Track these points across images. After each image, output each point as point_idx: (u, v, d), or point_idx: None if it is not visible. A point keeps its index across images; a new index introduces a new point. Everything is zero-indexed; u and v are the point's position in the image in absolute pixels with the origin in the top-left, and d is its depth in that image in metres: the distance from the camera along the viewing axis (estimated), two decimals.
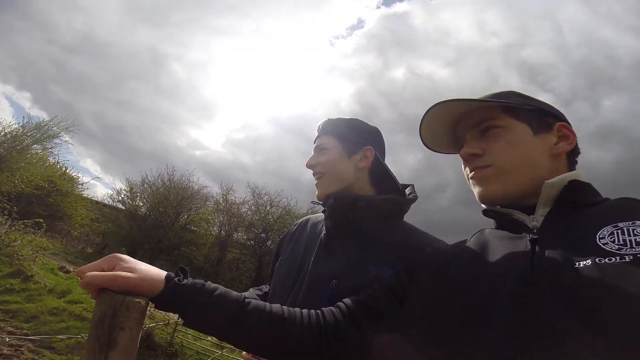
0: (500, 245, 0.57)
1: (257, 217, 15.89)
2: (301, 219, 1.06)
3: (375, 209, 0.83)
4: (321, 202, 0.92)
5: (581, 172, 0.59)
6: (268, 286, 1.07)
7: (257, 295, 1.07)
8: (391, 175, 0.94)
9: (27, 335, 3.73)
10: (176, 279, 0.57)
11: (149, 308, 0.57)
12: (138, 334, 0.52)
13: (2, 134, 12.63)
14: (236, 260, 15.52)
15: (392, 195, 0.88)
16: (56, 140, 13.85)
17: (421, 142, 0.71)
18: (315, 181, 0.93)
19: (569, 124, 0.62)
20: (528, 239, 0.52)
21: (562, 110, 0.65)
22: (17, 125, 13.09)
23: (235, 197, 17.01)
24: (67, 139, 13.96)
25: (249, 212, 16.47)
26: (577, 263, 0.44)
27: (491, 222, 0.64)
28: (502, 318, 0.46)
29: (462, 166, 0.67)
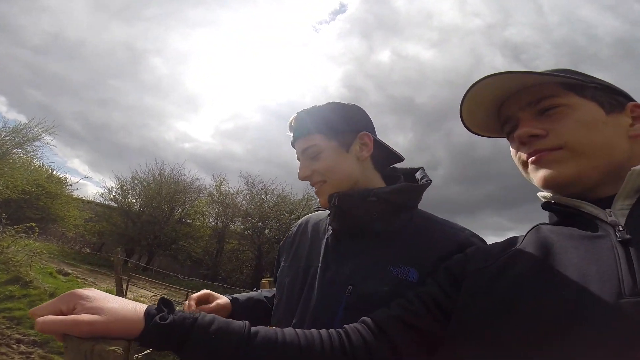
0: (570, 245, 0.47)
1: (252, 206, 15.87)
2: (300, 220, 0.96)
3: (388, 202, 0.73)
4: (324, 208, 0.82)
5: None
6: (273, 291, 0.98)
7: (266, 297, 0.97)
8: (394, 153, 0.85)
9: (36, 342, 3.73)
10: (158, 316, 0.46)
11: None
12: None
13: None
14: (235, 251, 15.58)
15: (405, 183, 0.78)
16: (37, 143, 13.45)
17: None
18: (316, 190, 0.81)
19: None
20: (616, 238, 0.43)
21: None
22: None
23: (229, 188, 16.91)
24: (49, 140, 13.58)
25: (244, 201, 16.43)
26: None
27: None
28: (594, 342, 0.37)
29: (513, 151, 0.58)
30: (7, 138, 12.84)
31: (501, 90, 0.56)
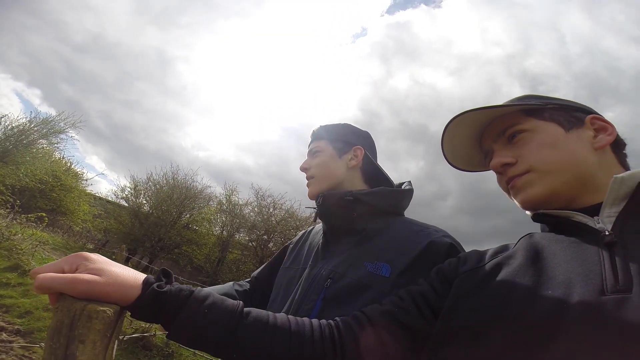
0: (559, 249, 0.49)
1: (259, 219, 15.80)
2: (305, 230, 1.08)
3: (363, 202, 0.83)
4: (314, 207, 0.92)
5: None
6: (247, 283, 1.07)
7: (237, 290, 1.01)
8: (384, 173, 0.95)
9: (20, 330, 3.60)
10: (156, 284, 0.47)
11: None
12: (106, 349, 0.43)
13: (9, 127, 12.76)
14: (237, 261, 15.43)
15: (382, 187, 0.88)
16: (62, 136, 14.02)
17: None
18: (307, 182, 0.95)
19: (601, 115, 0.58)
20: (603, 241, 0.45)
21: None
22: (24, 119, 13.25)
23: (238, 198, 16.95)
24: (74, 134, 14.09)
25: (251, 213, 16.39)
26: None
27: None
28: (577, 337, 0.38)
29: (498, 181, 0.62)
30: (35, 128, 13.40)
31: (472, 128, 0.61)
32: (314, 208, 0.91)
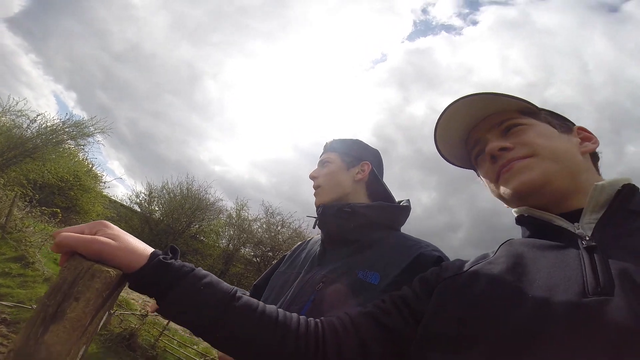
0: (540, 255, 0.49)
1: (267, 236, 15.70)
2: (306, 239, 1.11)
3: (361, 215, 0.85)
4: (315, 216, 0.95)
5: (630, 178, 0.52)
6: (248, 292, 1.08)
7: None
8: (387, 190, 0.98)
9: (6, 319, 3.53)
10: (162, 256, 0.50)
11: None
12: (95, 308, 0.44)
13: (43, 126, 13.46)
14: (239, 275, 15.25)
15: (379, 202, 0.92)
16: (90, 139, 14.62)
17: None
18: (314, 191, 0.98)
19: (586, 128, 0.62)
20: (582, 246, 0.45)
21: None
22: (58, 120, 13.98)
23: (248, 214, 16.98)
24: (100, 139, 14.70)
25: (259, 229, 16.35)
26: None
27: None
28: (560, 339, 0.38)
29: (484, 171, 0.62)
30: (67, 129, 14.09)
31: (470, 118, 0.63)
32: (315, 217, 0.94)
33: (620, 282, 0.39)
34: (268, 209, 16.27)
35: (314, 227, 0.95)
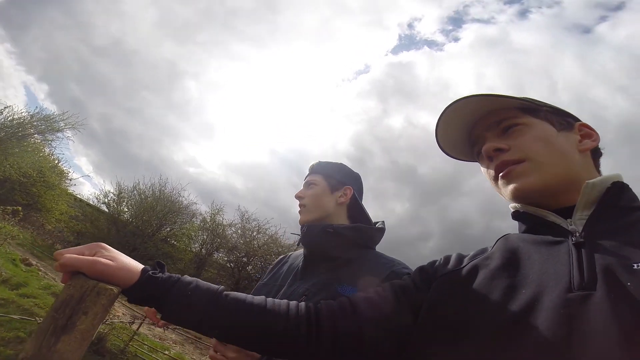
0: (534, 250, 0.52)
1: (241, 241, 15.45)
2: (288, 253, 1.20)
3: (342, 235, 0.95)
4: (299, 234, 1.03)
5: (620, 175, 0.54)
6: None
7: None
8: (365, 213, 1.08)
9: None
10: (151, 272, 0.56)
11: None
12: (100, 321, 0.51)
13: (9, 119, 12.64)
14: (212, 280, 14.68)
15: (358, 224, 1.01)
16: (59, 134, 13.86)
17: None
18: (299, 209, 1.07)
19: (588, 124, 0.62)
20: (571, 242, 0.48)
21: None
22: (26, 113, 13.16)
23: (223, 219, 16.67)
24: (70, 135, 13.98)
25: (234, 235, 16.05)
26: (635, 265, 0.40)
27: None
28: (546, 331, 0.40)
29: (484, 169, 0.64)
30: (35, 123, 13.28)
31: (470, 115, 0.63)
32: (298, 234, 1.03)
33: (603, 277, 0.41)
34: (244, 215, 16.08)
35: (297, 244, 1.04)
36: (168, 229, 16.24)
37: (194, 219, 16.78)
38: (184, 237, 16.34)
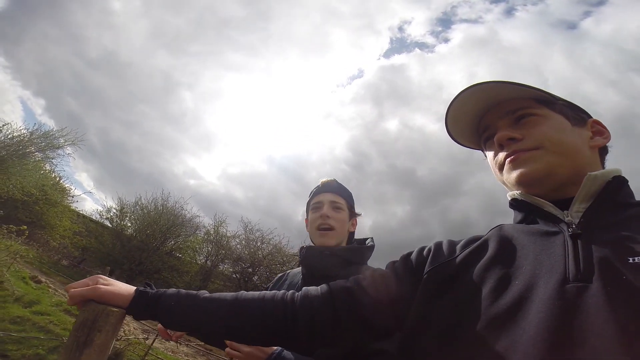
0: (528, 241, 0.51)
1: (246, 252, 15.41)
2: (286, 271, 1.32)
3: (337, 256, 1.07)
4: (297, 254, 1.14)
5: (620, 169, 0.54)
6: None
7: None
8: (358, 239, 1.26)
9: None
10: (141, 289, 0.67)
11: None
12: (113, 336, 0.63)
13: (9, 137, 12.63)
14: (218, 292, 14.67)
15: (352, 245, 1.16)
16: (59, 151, 13.82)
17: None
18: (320, 231, 1.14)
19: (600, 121, 0.62)
20: (567, 234, 0.48)
21: None
22: (25, 130, 13.13)
23: (227, 230, 16.65)
24: (70, 151, 13.94)
25: (238, 246, 16.02)
26: (630, 258, 0.40)
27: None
28: (539, 322, 0.40)
29: (490, 157, 0.63)
30: (35, 140, 13.21)
31: (484, 102, 0.62)
32: (297, 256, 1.14)
33: (600, 269, 0.41)
34: (247, 225, 16.07)
35: (298, 265, 1.13)
36: (172, 242, 16.20)
37: (197, 232, 16.77)
38: (189, 250, 16.28)
